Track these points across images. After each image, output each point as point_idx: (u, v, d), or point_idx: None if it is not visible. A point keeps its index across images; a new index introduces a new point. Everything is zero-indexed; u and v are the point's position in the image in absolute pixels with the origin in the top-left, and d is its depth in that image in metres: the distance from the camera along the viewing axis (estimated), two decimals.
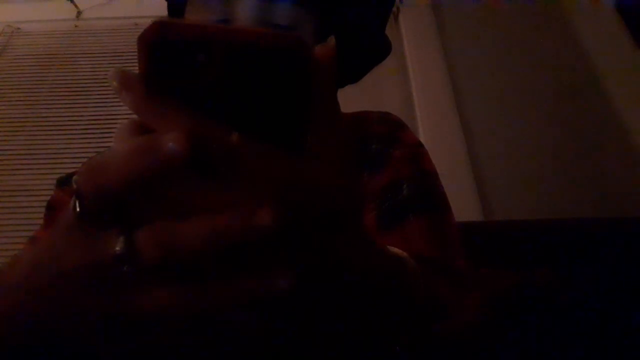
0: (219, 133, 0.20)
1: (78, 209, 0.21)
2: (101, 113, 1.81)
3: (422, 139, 1.78)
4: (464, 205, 1.44)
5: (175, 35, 0.21)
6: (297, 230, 0.21)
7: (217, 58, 0.21)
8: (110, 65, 1.92)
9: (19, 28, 2.06)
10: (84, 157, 1.68)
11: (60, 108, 1.84)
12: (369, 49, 0.63)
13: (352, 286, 0.24)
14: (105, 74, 1.89)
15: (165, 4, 0.63)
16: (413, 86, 1.76)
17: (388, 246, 0.30)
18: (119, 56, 1.95)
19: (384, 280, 0.26)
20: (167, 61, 0.21)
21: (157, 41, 0.21)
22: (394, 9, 1.97)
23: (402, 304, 0.27)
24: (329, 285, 0.23)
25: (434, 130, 1.62)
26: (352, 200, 0.24)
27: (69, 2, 2.07)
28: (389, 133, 0.59)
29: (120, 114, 1.78)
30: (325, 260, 0.22)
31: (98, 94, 1.85)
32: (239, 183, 0.20)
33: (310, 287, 0.22)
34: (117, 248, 0.20)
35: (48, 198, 0.64)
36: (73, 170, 0.71)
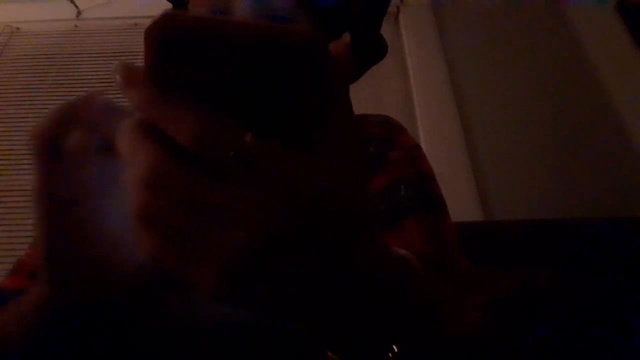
0: (231, 133, 0.20)
1: None
2: None
3: (422, 139, 1.78)
4: (464, 205, 1.44)
5: (185, 29, 0.20)
6: (309, 232, 0.21)
7: (228, 53, 0.20)
8: (110, 65, 1.91)
9: (18, 28, 2.06)
10: None
11: None
12: (365, 49, 0.63)
13: (360, 284, 0.24)
14: (105, 74, 1.89)
15: (166, 3, 0.63)
16: (413, 86, 1.76)
17: (393, 246, 0.30)
18: (118, 56, 1.95)
19: (389, 279, 0.26)
20: (175, 56, 0.20)
21: (165, 35, 0.20)
22: (394, 8, 1.97)
23: (405, 302, 0.27)
24: (338, 283, 0.23)
25: (434, 130, 1.62)
26: (364, 199, 0.24)
27: (69, 2, 2.07)
28: (386, 136, 0.60)
29: None
30: (337, 258, 0.22)
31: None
32: (251, 184, 0.20)
33: (320, 284, 0.22)
34: None
35: None
36: None
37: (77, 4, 2.08)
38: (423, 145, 1.61)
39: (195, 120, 0.20)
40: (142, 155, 0.20)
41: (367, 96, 1.53)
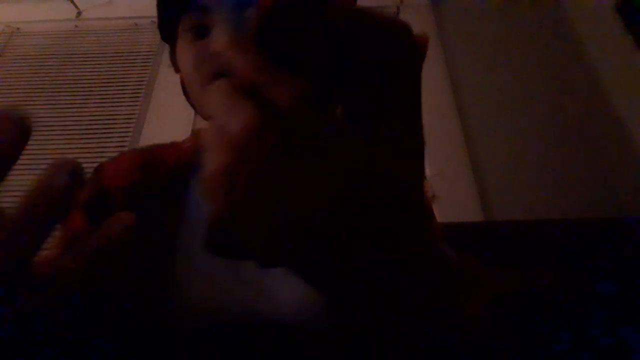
0: (328, 108, 0.20)
1: None
2: (101, 113, 1.80)
3: None
4: (464, 205, 1.44)
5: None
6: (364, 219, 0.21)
7: (330, 30, 0.20)
8: (110, 65, 1.92)
9: (18, 28, 2.06)
10: (83, 157, 1.68)
11: (60, 108, 1.85)
12: None
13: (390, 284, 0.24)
14: (106, 74, 1.89)
15: None
16: None
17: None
18: (118, 56, 1.95)
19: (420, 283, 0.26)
20: (282, 22, 0.20)
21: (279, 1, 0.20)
22: (394, 8, 1.97)
23: (412, 303, 0.26)
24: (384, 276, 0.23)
25: (434, 130, 1.62)
26: (421, 193, 0.24)
27: (69, 2, 2.07)
28: None
29: (120, 114, 1.78)
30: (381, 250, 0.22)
31: (98, 94, 1.85)
32: (318, 163, 0.20)
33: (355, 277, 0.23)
34: None
35: None
36: None
37: (77, 4, 2.09)
38: None
39: (298, 87, 0.20)
40: (239, 114, 0.20)
41: None
